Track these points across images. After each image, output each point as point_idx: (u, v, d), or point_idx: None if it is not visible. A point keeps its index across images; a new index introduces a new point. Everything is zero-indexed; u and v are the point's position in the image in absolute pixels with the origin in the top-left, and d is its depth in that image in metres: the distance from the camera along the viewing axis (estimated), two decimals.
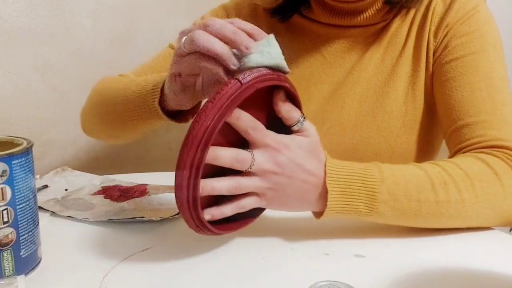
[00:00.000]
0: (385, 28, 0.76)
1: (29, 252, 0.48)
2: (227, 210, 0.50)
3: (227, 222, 0.52)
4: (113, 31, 1.09)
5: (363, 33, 0.76)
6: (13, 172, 0.45)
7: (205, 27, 0.48)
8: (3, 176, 0.45)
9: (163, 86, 0.60)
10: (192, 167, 0.45)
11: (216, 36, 0.47)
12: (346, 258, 0.54)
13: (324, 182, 0.53)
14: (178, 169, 0.45)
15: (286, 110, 0.52)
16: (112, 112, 0.71)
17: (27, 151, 0.48)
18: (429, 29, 0.73)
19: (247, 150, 0.50)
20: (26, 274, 0.48)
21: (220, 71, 0.48)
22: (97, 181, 0.77)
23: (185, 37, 0.49)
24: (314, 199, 0.54)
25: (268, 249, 0.55)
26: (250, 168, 0.49)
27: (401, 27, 0.75)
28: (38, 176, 0.77)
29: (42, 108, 0.99)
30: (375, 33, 0.76)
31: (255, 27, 0.49)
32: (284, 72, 0.50)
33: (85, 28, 1.04)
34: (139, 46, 1.13)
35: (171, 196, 0.70)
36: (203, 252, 0.55)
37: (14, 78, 0.94)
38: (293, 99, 0.53)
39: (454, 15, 0.71)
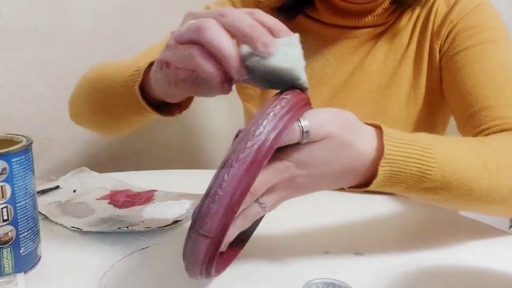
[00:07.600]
0: (387, 30, 0.75)
1: (29, 250, 0.48)
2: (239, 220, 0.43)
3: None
4: (113, 29, 1.08)
5: (367, 35, 0.75)
6: (13, 170, 0.45)
7: (219, 16, 0.40)
8: (3, 174, 0.45)
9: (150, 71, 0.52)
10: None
11: (230, 29, 0.40)
12: (346, 256, 0.54)
13: (377, 160, 0.45)
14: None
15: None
16: (100, 100, 0.65)
17: (27, 149, 0.47)
18: (431, 29, 0.72)
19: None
20: (25, 272, 0.48)
21: (217, 77, 0.40)
22: (109, 184, 0.75)
23: (192, 22, 0.41)
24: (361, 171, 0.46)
25: (268, 247, 0.55)
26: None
27: (404, 29, 0.75)
28: (54, 177, 0.76)
29: (42, 106, 0.99)
30: (377, 34, 0.75)
31: (278, 21, 0.42)
32: (297, 83, 0.41)
33: (84, 26, 1.03)
34: (139, 44, 1.12)
35: (173, 205, 0.66)
36: None
37: (13, 75, 0.94)
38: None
39: (458, 12, 0.71)
